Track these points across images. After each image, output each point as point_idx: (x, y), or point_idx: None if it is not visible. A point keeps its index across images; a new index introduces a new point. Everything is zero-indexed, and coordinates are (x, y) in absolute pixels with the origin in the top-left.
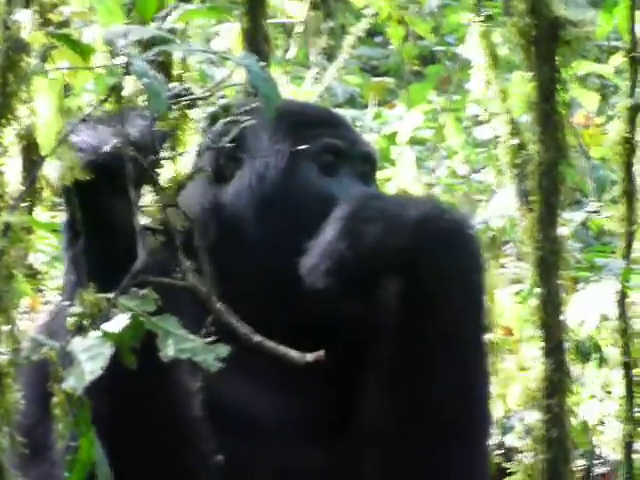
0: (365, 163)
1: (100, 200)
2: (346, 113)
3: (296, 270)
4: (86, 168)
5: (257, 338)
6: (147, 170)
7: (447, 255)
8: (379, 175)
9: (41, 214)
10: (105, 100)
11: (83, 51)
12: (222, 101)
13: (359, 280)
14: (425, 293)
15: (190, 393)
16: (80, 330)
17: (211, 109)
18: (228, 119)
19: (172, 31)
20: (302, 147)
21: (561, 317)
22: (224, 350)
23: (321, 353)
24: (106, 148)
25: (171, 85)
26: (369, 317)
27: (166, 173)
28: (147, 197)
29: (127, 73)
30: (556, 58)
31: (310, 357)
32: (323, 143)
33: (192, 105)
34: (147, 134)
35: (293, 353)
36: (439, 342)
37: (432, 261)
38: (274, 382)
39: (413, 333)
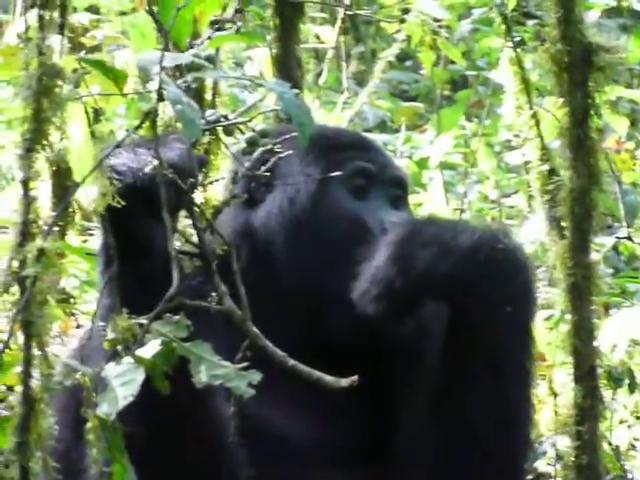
0: (397, 187)
1: (135, 224)
2: (377, 138)
3: (327, 293)
4: (123, 191)
5: (292, 362)
6: (185, 194)
7: (496, 284)
8: (410, 199)
9: (73, 238)
10: (140, 126)
11: (116, 77)
12: (258, 127)
13: (408, 305)
14: (472, 321)
15: (224, 418)
16: (114, 355)
17: (246, 135)
18: (264, 147)
19: (208, 58)
20: (333, 172)
21: (593, 343)
22: (256, 376)
23: (355, 378)
24: (144, 171)
25: (208, 112)
26: (412, 342)
27: (202, 198)
28: (183, 221)
29: (161, 99)
30: (589, 84)
31: (345, 382)
32: (354, 167)
33: (227, 132)
34: (186, 158)
35: (328, 378)
36: (483, 370)
37: (481, 289)
38: (309, 407)
39: (458, 359)
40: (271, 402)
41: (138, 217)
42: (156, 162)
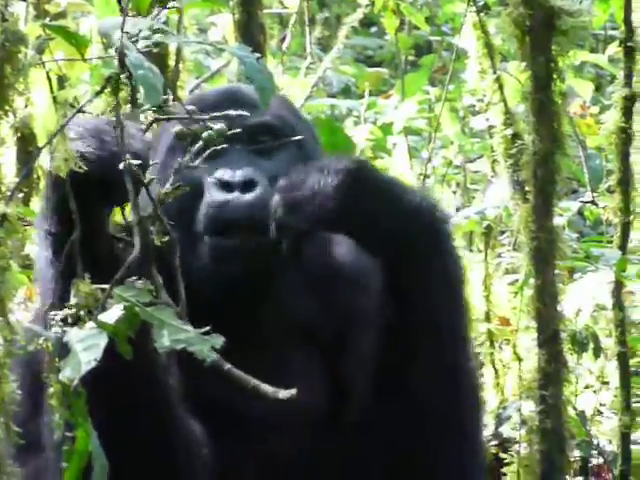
0: (261, 134)
1: (94, 207)
2: (341, 103)
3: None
4: (89, 178)
5: (227, 366)
6: (141, 184)
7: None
8: (375, 164)
9: (38, 204)
10: (101, 91)
11: (79, 43)
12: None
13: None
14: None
15: (176, 390)
16: (76, 320)
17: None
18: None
19: (167, 22)
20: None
21: (557, 307)
22: (219, 340)
23: (293, 391)
24: (110, 162)
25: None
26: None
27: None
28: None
29: (123, 65)
30: (552, 48)
31: (284, 394)
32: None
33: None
34: (145, 147)
35: (265, 387)
36: (419, 334)
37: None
38: (262, 375)
39: (394, 325)
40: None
41: (96, 203)
42: (120, 153)
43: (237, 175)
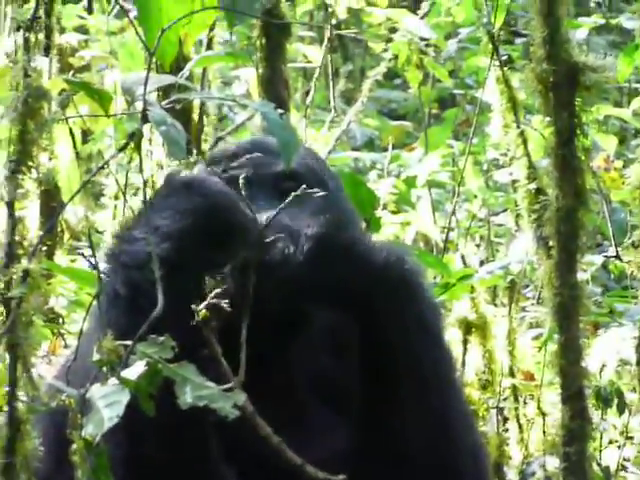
0: (287, 182)
1: None
2: (365, 156)
3: None
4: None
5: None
6: None
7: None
8: (398, 218)
9: (61, 258)
10: (125, 147)
11: (102, 98)
12: None
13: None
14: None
15: (210, 439)
16: (99, 377)
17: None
18: None
19: (190, 77)
20: None
21: (581, 363)
22: (241, 397)
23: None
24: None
25: None
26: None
27: None
28: None
29: (145, 120)
30: (575, 103)
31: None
32: (225, 178)
33: None
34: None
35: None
36: (403, 383)
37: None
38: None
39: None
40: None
41: None
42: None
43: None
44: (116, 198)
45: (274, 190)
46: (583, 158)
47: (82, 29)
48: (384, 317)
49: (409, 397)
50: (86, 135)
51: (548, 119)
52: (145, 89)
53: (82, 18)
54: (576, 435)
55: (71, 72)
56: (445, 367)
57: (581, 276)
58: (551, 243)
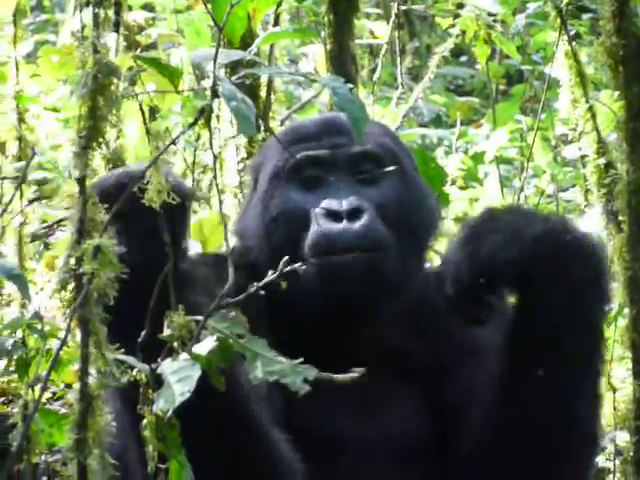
0: (362, 163)
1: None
2: (432, 133)
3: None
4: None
5: None
6: None
7: (558, 276)
8: (466, 194)
9: None
10: (195, 122)
11: (172, 75)
12: None
13: (474, 291)
14: (535, 313)
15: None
16: (170, 352)
17: None
18: None
19: (258, 53)
20: (284, 168)
21: None
22: (312, 372)
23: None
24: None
25: None
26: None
27: None
28: None
29: (215, 96)
30: None
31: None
32: (301, 158)
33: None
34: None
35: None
36: (544, 364)
37: (543, 279)
38: (363, 404)
39: (520, 353)
40: (325, 400)
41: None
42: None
43: (344, 204)
44: (184, 176)
45: (351, 171)
46: None
47: (149, 7)
48: (534, 293)
49: (547, 378)
50: (153, 113)
51: (618, 93)
52: (215, 64)
53: None
54: None
55: (138, 50)
56: (590, 351)
57: None
58: (621, 217)
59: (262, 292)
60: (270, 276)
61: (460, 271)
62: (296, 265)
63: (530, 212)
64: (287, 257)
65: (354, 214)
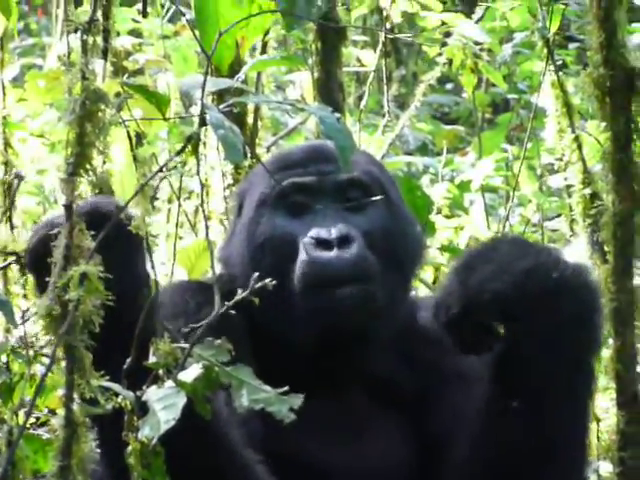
0: (350, 190)
1: None
2: (418, 160)
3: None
4: None
5: None
6: None
7: (545, 311)
8: (452, 222)
9: None
10: (182, 150)
11: (159, 101)
12: None
13: (461, 323)
14: (520, 347)
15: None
16: (155, 379)
17: None
18: None
19: (245, 81)
20: (271, 194)
21: (636, 369)
22: (297, 401)
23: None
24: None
25: None
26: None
27: None
28: None
29: (203, 123)
30: (632, 108)
31: None
32: (289, 185)
33: None
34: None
35: None
36: (528, 400)
37: (529, 315)
38: (344, 431)
39: (504, 387)
40: (307, 427)
41: None
42: None
43: (333, 232)
44: (169, 202)
45: (338, 198)
46: None
47: (136, 32)
48: (519, 327)
49: (529, 415)
50: (140, 139)
51: (604, 124)
52: (203, 92)
53: (136, 22)
54: (631, 440)
55: (125, 75)
56: (572, 391)
57: (637, 282)
58: (607, 248)
59: (242, 318)
60: (241, 294)
61: (451, 299)
62: (266, 280)
63: (527, 244)
64: (274, 282)
65: (344, 242)
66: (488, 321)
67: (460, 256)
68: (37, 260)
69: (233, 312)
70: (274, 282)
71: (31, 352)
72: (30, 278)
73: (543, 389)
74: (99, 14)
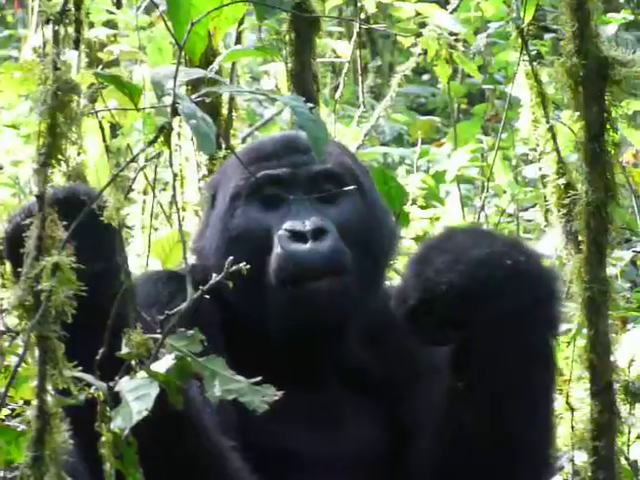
0: (323, 182)
1: None
2: (393, 151)
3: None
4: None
5: None
6: None
7: (499, 300)
8: (427, 213)
9: None
10: (155, 140)
11: (132, 92)
12: None
13: (419, 315)
14: (477, 338)
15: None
16: (127, 370)
17: None
18: None
19: (220, 71)
20: (244, 186)
21: (610, 358)
22: (270, 391)
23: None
24: None
25: None
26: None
27: None
28: None
29: (175, 114)
30: (605, 97)
31: None
32: (262, 177)
33: None
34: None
35: None
36: (486, 392)
37: (485, 305)
38: (317, 419)
39: (462, 378)
40: (279, 416)
41: None
42: None
43: (307, 224)
44: (144, 193)
45: (312, 190)
46: (613, 152)
47: (111, 24)
48: (476, 319)
49: (487, 406)
50: (114, 129)
51: (578, 114)
52: (175, 82)
53: (111, 13)
54: (605, 429)
55: (99, 67)
56: (528, 381)
57: (610, 271)
58: (580, 238)
59: (216, 309)
60: (215, 278)
61: (408, 291)
62: (241, 264)
63: (484, 233)
64: (249, 269)
65: (318, 234)
66: (445, 311)
67: (419, 246)
68: (13, 247)
69: (207, 299)
70: (248, 267)
71: (6, 343)
72: (7, 267)
73: (497, 377)
74: (71, 4)
